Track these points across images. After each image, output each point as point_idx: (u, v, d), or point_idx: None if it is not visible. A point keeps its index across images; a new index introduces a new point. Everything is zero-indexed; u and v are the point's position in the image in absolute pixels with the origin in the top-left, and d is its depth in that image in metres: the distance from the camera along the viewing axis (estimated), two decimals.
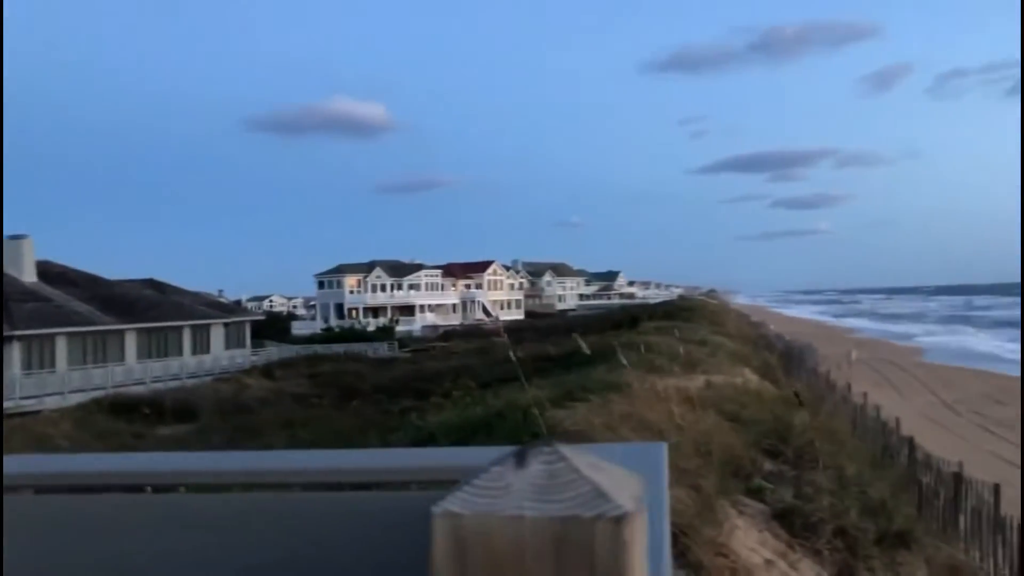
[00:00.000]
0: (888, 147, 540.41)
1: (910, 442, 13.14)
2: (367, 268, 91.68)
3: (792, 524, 5.99)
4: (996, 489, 10.70)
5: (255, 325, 54.47)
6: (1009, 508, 10.65)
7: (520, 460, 0.68)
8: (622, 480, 0.68)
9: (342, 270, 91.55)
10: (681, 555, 4.41)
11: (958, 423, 26.42)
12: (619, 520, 0.62)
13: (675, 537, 4.50)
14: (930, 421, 25.53)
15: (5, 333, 35.86)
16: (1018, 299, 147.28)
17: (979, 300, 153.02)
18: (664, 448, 1.24)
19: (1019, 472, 18.49)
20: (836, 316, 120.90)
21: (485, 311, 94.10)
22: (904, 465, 12.63)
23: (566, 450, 0.69)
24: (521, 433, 6.77)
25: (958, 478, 11.13)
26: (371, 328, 71.69)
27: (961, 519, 10.79)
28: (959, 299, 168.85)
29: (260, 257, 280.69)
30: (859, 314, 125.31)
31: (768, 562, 5.13)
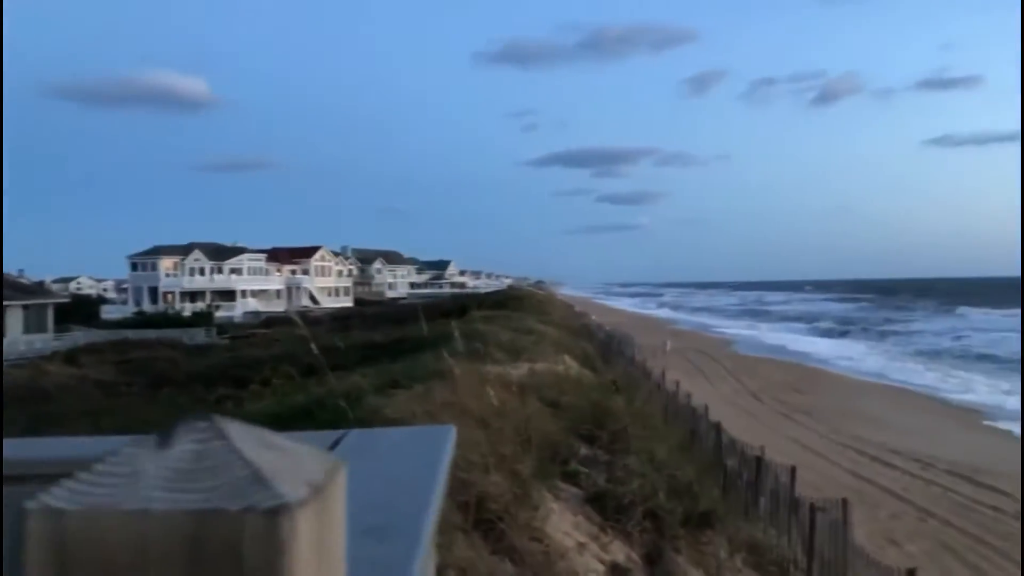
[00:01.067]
0: (702, 148, 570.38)
1: (717, 427, 13.88)
2: (185, 250, 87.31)
3: (605, 507, 6.15)
4: (792, 472, 11.49)
5: (60, 308, 50.79)
6: (804, 489, 11.47)
7: (164, 440, 0.53)
8: (302, 462, 0.54)
9: (158, 252, 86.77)
10: (497, 540, 4.41)
11: (761, 409, 28.23)
12: (274, 513, 0.47)
13: (491, 523, 4.50)
14: (736, 407, 27.14)
15: None
16: (794, 295, 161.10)
17: (771, 296, 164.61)
18: (452, 431, 1.18)
19: (813, 456, 20.05)
20: (654, 308, 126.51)
21: (312, 298, 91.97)
22: (711, 449, 13.34)
23: (231, 425, 0.54)
24: (341, 421, 6.60)
25: (759, 461, 11.87)
26: (187, 314, 68.47)
27: (761, 500, 11.52)
28: (754, 294, 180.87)
29: (68, 236, 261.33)
30: (674, 306, 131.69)
31: (581, 545, 5.24)
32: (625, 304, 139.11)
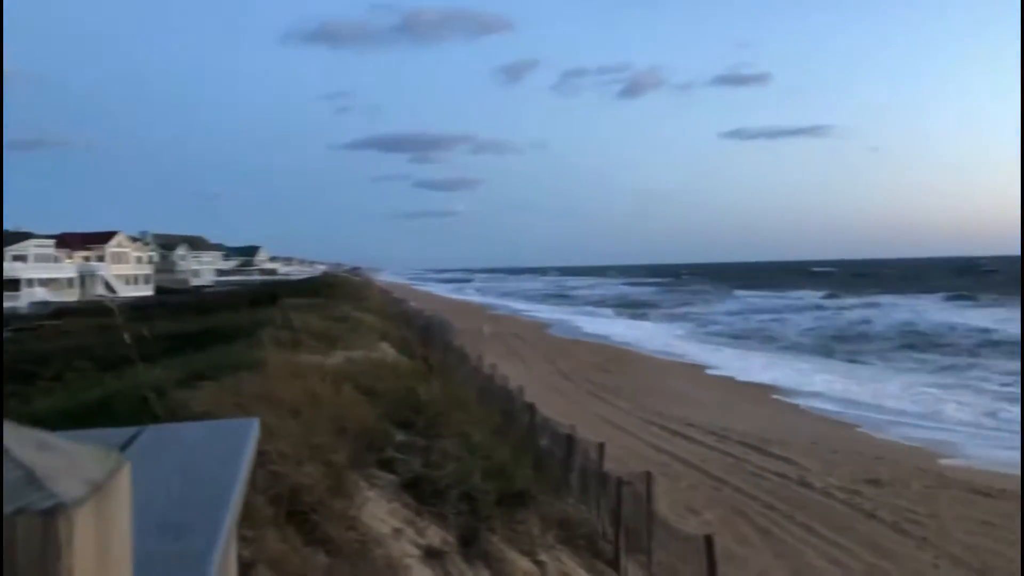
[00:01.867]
0: (518, 136, 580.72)
1: (531, 408, 14.27)
2: None
3: (421, 492, 6.20)
4: (601, 448, 12.01)
5: None
6: (611, 464, 12.03)
7: None
8: (81, 461, 0.53)
9: None
10: (311, 531, 4.35)
11: (572, 389, 29.25)
12: (49, 514, 0.47)
13: (305, 514, 4.43)
14: (549, 388, 27.95)
15: None
16: (603, 280, 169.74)
17: (579, 280, 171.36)
18: (255, 424, 1.18)
19: (620, 432, 21.02)
20: (471, 294, 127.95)
21: (108, 286, 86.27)
22: (525, 429, 13.70)
23: (5, 427, 0.52)
24: (141, 417, 6.27)
25: (571, 439, 12.34)
26: None
27: (572, 476, 11.98)
28: (570, 279, 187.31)
29: None
30: (488, 292, 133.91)
31: (397, 531, 5.26)
32: (443, 290, 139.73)
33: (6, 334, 47.41)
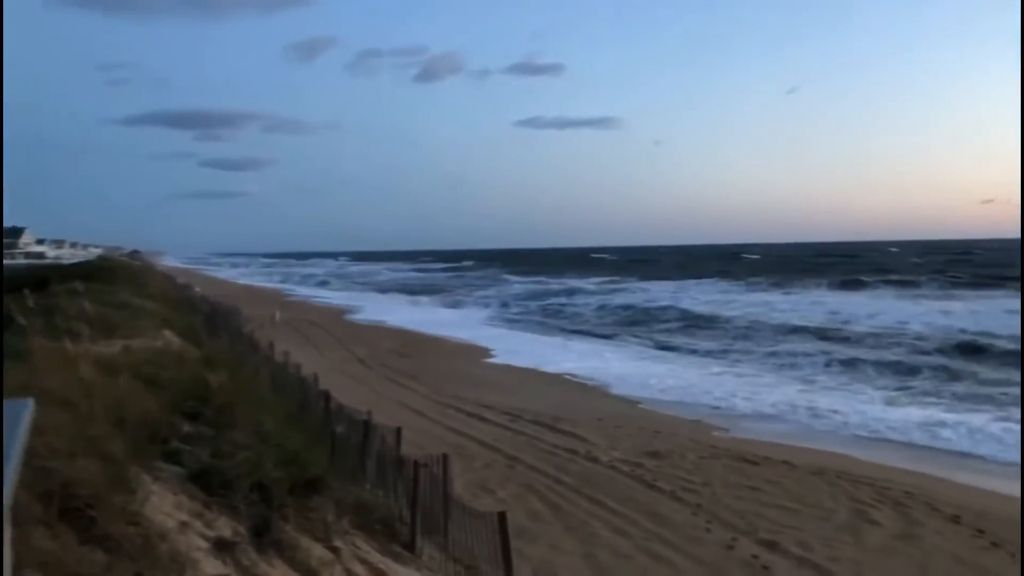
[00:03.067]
0: (312, 116, 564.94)
1: (326, 395, 14.06)
2: None
3: (210, 483, 5.97)
4: (398, 432, 12.04)
5: None
6: (409, 448, 12.08)
7: None
8: None
9: None
10: (87, 529, 4.09)
11: (369, 375, 29.06)
12: None
13: (80, 511, 4.16)
14: (346, 375, 27.64)
15: None
16: (382, 264, 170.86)
17: (365, 266, 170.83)
18: (29, 405, 1.11)
19: (417, 416, 21.14)
20: (262, 279, 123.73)
21: None
22: (321, 416, 13.48)
23: None
24: None
25: (367, 425, 12.27)
26: None
27: (369, 462, 11.94)
28: (371, 265, 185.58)
29: None
30: (280, 277, 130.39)
31: (183, 524, 5.04)
32: (231, 274, 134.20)
33: None
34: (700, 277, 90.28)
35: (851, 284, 73.22)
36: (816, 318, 47.49)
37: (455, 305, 67.26)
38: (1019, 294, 60.26)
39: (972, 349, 33.63)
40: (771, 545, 11.77)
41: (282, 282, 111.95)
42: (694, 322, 47.61)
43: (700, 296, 67.49)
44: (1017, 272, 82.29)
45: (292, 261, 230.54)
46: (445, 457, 10.83)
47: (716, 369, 31.37)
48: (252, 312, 39.53)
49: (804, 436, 20.20)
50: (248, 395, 9.93)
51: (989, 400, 23.99)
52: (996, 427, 20.49)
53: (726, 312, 52.26)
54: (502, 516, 8.34)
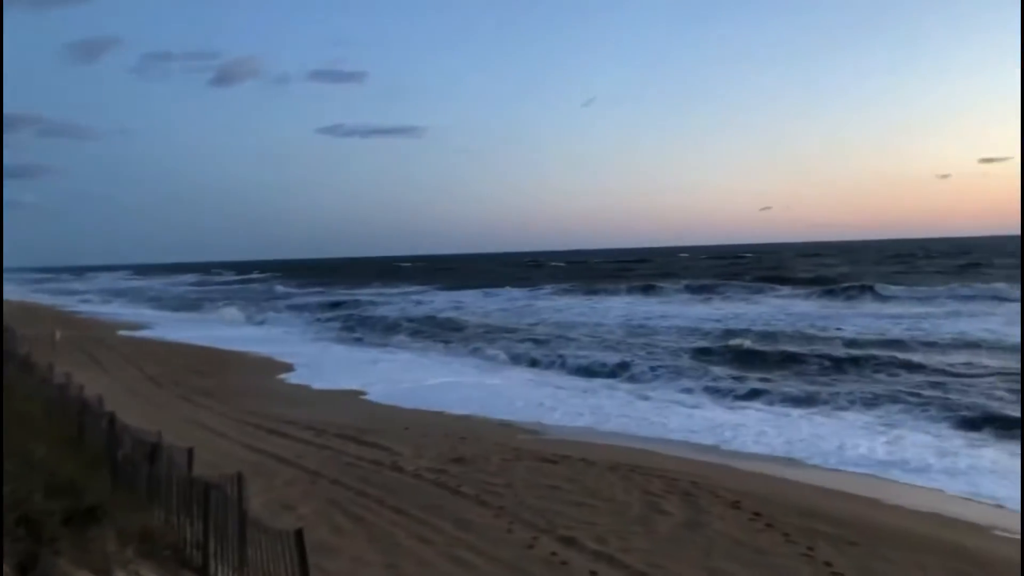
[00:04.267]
0: (98, 121, 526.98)
1: (110, 417, 13.19)
2: None
3: None
4: (190, 453, 11.48)
5: None
6: (203, 469, 11.54)
7: None
8: None
9: None
10: None
11: (161, 395, 27.53)
12: None
13: None
14: (136, 395, 26.06)
15: None
16: (168, 278, 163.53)
17: (147, 282, 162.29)
18: None
19: (213, 435, 20.25)
20: (43, 295, 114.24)
21: None
22: (104, 440, 12.63)
23: None
24: None
25: (155, 447, 11.61)
26: None
27: (158, 486, 11.30)
28: (162, 280, 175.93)
29: None
30: (56, 292, 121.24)
31: None
32: (8, 292, 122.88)
33: None
34: (503, 285, 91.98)
35: (647, 289, 77.01)
36: (614, 320, 49.70)
37: (254, 317, 65.06)
38: (785, 295, 65.84)
39: (746, 348, 36.33)
40: (569, 541, 12.19)
41: (55, 297, 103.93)
42: (493, 330, 48.45)
43: (504, 304, 68.97)
44: (786, 273, 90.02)
45: (67, 276, 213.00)
46: (240, 476, 10.43)
47: (523, 375, 32.12)
48: (27, 331, 36.42)
49: (601, 434, 21.12)
50: (19, 422, 9.18)
51: (760, 395, 25.96)
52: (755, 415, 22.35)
53: (527, 319, 53.74)
54: (299, 533, 8.15)
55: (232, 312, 70.97)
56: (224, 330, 54.43)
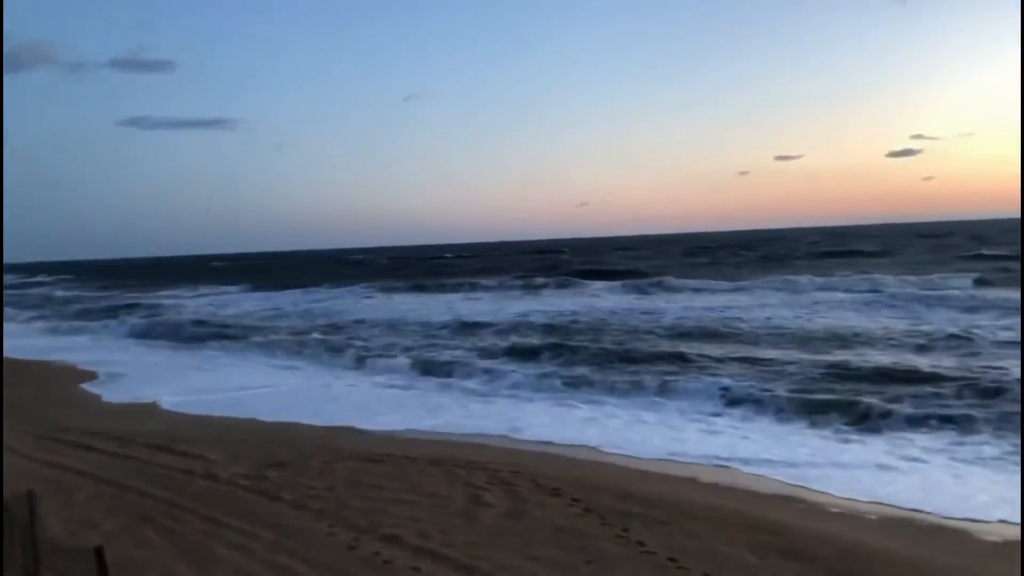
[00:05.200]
0: None
1: None
2: None
3: None
4: None
5: None
6: None
7: None
8: None
9: None
10: None
11: None
12: None
13: None
14: None
15: None
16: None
17: None
18: None
19: (6, 453, 18.62)
20: None
21: None
22: None
23: None
24: None
25: None
26: None
27: None
28: None
29: None
30: None
31: None
32: None
33: None
34: (321, 283, 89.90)
35: (472, 286, 77.58)
36: (439, 318, 49.81)
37: (59, 328, 60.51)
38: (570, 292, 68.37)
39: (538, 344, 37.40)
40: (392, 539, 12.12)
41: None
42: (310, 331, 47.43)
43: (322, 302, 67.62)
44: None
45: None
46: (31, 494, 9.67)
47: (346, 376, 31.61)
48: None
49: (425, 431, 21.13)
50: None
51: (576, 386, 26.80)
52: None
53: (348, 318, 52.97)
54: (99, 550, 7.64)
55: (25, 317, 65.70)
56: (17, 339, 50.21)
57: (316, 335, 42.39)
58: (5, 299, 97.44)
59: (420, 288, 77.10)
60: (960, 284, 52.34)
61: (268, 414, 23.56)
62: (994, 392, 21.33)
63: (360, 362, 33.77)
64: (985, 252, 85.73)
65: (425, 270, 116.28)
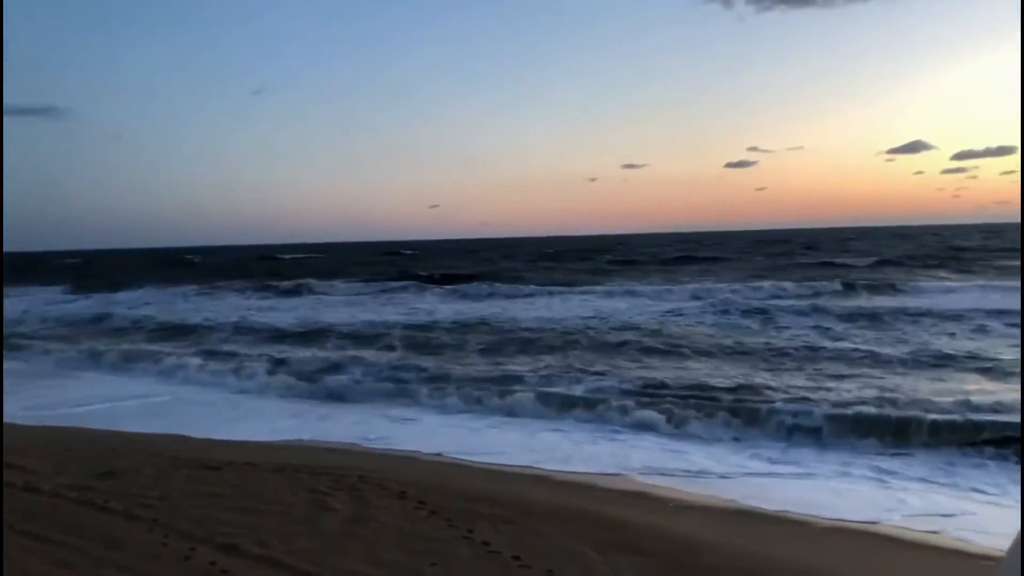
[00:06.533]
0: None
1: None
2: None
3: None
4: None
5: None
6: None
7: None
8: None
9: None
10: None
11: None
12: None
13: None
14: None
15: None
16: None
17: None
18: None
19: None
20: None
21: None
22: None
23: None
24: None
25: None
26: None
27: None
28: None
29: None
30: None
31: None
32: None
33: None
34: (146, 283, 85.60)
35: (319, 288, 76.12)
36: (287, 320, 48.56)
37: None
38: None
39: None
40: (230, 548, 11.68)
41: None
42: (134, 333, 45.30)
43: (152, 303, 64.65)
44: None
45: None
46: None
47: (186, 381, 30.33)
48: None
49: (268, 437, 20.54)
50: None
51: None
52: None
53: (190, 320, 50.89)
54: None
55: None
56: None
57: (145, 345, 40.39)
58: None
59: (267, 289, 74.88)
60: (801, 292, 54.61)
61: (101, 422, 22.30)
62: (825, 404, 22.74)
63: (204, 368, 32.45)
64: (837, 261, 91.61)
65: (264, 271, 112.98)
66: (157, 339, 42.09)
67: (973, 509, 14.40)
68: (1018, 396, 21.46)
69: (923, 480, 16.06)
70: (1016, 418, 18.56)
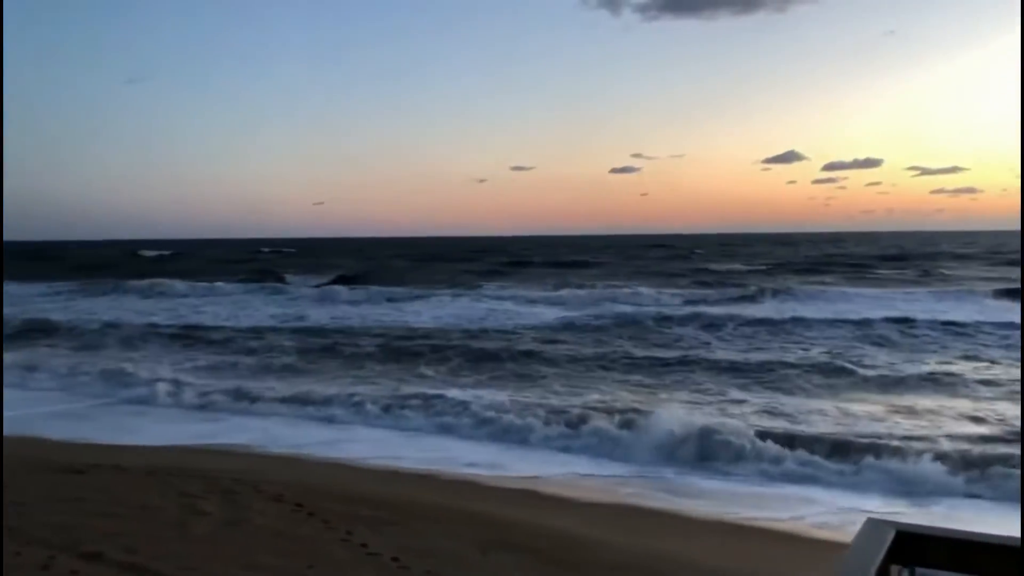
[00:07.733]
0: None
1: None
2: None
3: None
4: None
5: None
6: None
7: None
8: None
9: None
10: None
11: None
12: None
13: None
14: None
15: None
16: None
17: None
18: None
19: None
20: None
21: None
22: None
23: None
24: None
25: None
26: None
27: None
28: None
29: None
30: None
31: None
32: None
33: None
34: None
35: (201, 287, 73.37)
36: (159, 320, 46.64)
37: None
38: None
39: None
40: (94, 556, 11.06)
41: None
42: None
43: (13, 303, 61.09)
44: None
45: None
46: None
47: (51, 384, 28.67)
48: None
49: (138, 441, 19.66)
50: None
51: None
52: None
53: (53, 319, 48.28)
54: None
55: None
56: None
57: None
58: None
59: (132, 291, 71.44)
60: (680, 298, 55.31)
61: None
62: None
63: (75, 371, 30.70)
64: (714, 267, 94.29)
65: (141, 266, 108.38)
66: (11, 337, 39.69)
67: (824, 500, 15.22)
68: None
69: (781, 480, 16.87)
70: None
